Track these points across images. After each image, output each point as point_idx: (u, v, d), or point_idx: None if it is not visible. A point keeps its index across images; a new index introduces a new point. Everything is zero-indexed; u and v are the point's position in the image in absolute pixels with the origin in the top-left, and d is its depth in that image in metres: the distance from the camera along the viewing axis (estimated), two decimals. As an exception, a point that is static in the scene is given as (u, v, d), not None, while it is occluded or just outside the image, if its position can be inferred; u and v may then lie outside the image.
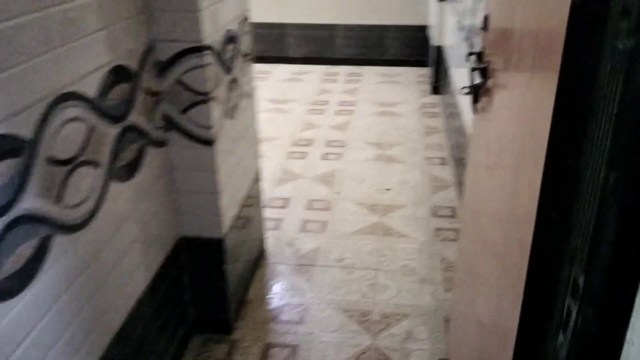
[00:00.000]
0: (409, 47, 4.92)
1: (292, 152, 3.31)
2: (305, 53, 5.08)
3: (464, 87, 1.28)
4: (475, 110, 1.24)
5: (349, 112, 3.93)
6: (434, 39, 4.12)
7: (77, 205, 1.15)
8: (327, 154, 3.28)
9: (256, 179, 2.20)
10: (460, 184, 2.77)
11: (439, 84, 4.19)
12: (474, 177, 1.35)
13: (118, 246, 1.34)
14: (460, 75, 3.08)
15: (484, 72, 1.16)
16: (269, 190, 2.83)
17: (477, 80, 1.12)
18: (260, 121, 2.30)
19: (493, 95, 1.09)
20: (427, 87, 4.42)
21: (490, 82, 1.12)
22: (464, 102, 2.86)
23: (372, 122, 3.73)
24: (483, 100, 1.18)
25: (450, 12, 3.77)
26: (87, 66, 1.17)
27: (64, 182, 1.10)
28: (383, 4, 4.78)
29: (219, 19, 1.65)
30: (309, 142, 3.44)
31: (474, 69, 1.18)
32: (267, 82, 4.60)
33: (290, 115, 3.90)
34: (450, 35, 3.81)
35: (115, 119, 1.30)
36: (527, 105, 0.84)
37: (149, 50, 1.47)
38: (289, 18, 4.96)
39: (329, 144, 3.42)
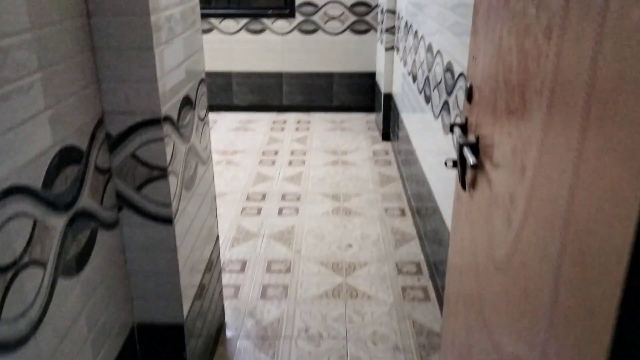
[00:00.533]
0: (357, 94, 4.94)
1: (246, 208, 3.16)
2: (252, 101, 5.00)
3: (448, 161, 1.21)
4: (464, 188, 1.17)
5: (301, 162, 3.85)
6: (383, 86, 4.15)
7: (18, 318, 0.97)
8: (282, 208, 3.16)
9: (215, 241, 2.04)
10: (421, 237, 2.72)
11: (389, 130, 4.21)
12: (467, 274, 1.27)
13: (66, 352, 1.15)
14: (412, 121, 3.08)
15: (475, 149, 1.09)
16: (224, 252, 2.67)
17: (469, 158, 1.05)
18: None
19: (490, 175, 1.02)
20: (377, 133, 4.43)
21: (485, 160, 1.05)
22: (420, 148, 2.84)
23: (325, 172, 3.66)
24: (475, 179, 1.11)
25: (398, 60, 3.81)
26: (30, 153, 1.01)
27: (4, 293, 0.92)
28: (329, 52, 4.80)
29: (176, 86, 1.52)
30: (262, 197, 3.31)
31: (462, 145, 1.11)
32: (214, 132, 4.46)
33: (241, 167, 3.77)
34: (398, 82, 3.84)
35: (63, 206, 1.13)
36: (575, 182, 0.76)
37: (99, 124, 1.32)
38: (234, 66, 4.88)
39: (284, 197, 3.30)
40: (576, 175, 0.63)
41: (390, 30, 3.95)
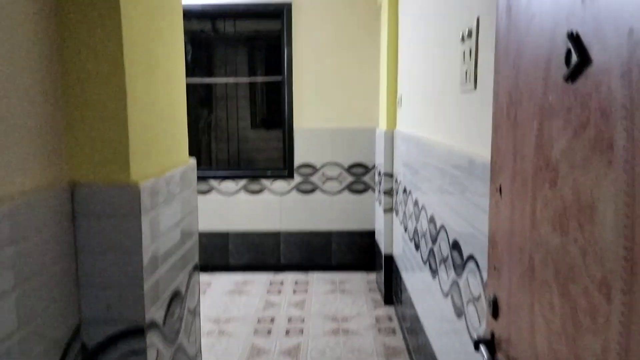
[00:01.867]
0: (356, 252, 4.84)
1: (238, 390, 2.85)
2: (249, 261, 4.87)
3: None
4: None
5: (299, 331, 3.59)
6: (383, 247, 4.05)
7: None
8: (278, 390, 2.85)
9: None
10: None
11: (391, 293, 4.01)
12: None
13: None
14: (414, 283, 2.91)
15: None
16: None
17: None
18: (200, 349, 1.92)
19: None
20: (379, 295, 4.23)
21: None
22: (425, 315, 2.63)
23: (325, 344, 3.39)
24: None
25: (398, 222, 3.76)
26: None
27: None
28: (328, 211, 4.79)
29: (164, 284, 1.39)
30: (257, 375, 3.01)
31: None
32: (207, 297, 4.25)
33: (234, 338, 3.50)
34: (399, 244, 3.74)
35: None
36: None
37: (74, 336, 1.16)
38: (231, 226, 4.83)
39: (280, 375, 3.00)
40: None
41: (389, 192, 3.97)
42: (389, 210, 3.98)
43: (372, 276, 4.71)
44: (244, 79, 5.67)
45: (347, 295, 4.28)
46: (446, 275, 2.23)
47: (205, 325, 3.67)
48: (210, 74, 5.56)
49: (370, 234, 4.77)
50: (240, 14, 4.81)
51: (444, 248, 2.29)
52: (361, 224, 4.80)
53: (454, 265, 2.10)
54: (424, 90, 2.85)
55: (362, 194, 4.79)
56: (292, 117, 4.73)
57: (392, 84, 3.94)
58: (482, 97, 1.68)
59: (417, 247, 2.97)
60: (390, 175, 3.97)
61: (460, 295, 1.97)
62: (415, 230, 3.01)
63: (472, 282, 1.79)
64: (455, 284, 2.07)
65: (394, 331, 3.57)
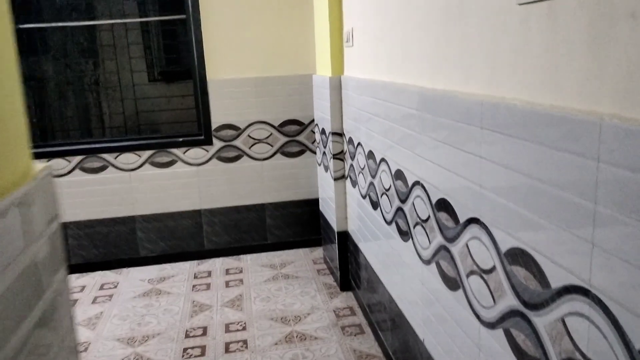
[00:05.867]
0: (297, 226, 4.05)
1: None
2: (165, 250, 3.92)
3: None
4: None
5: (242, 344, 2.79)
6: (335, 223, 3.29)
7: None
8: None
9: None
10: None
11: (349, 277, 3.30)
12: None
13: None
14: (383, 260, 2.15)
15: None
16: None
17: None
18: None
19: None
20: (331, 278, 3.50)
21: None
22: (404, 299, 1.89)
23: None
24: None
25: (355, 191, 3.00)
26: None
27: None
28: (258, 181, 3.93)
29: None
30: None
31: None
32: (114, 303, 3.30)
33: (157, 366, 2.63)
34: (355, 217, 3.01)
35: None
36: None
37: None
38: (138, 209, 3.83)
39: (228, 420, 2.20)
40: None
41: (339, 156, 3.17)
42: (340, 178, 3.20)
43: (318, 252, 3.97)
44: (135, 20, 4.51)
45: (293, 282, 3.51)
46: (427, 241, 1.49)
47: (113, 353, 2.76)
48: (91, 15, 4.35)
49: (312, 203, 3.99)
50: None
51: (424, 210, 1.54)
52: (300, 192, 4.00)
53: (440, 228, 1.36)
54: (402, 13, 2.02)
55: (299, 156, 3.96)
56: (204, 66, 3.72)
57: (335, 14, 3.06)
58: None
59: (389, 220, 2.22)
60: (339, 134, 3.17)
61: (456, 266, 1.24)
62: (386, 199, 2.25)
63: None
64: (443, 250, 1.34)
65: (361, 329, 2.87)
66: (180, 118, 4.43)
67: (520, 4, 1.16)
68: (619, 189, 0.87)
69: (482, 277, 1.43)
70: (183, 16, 3.77)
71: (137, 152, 3.76)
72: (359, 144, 2.79)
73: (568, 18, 1.01)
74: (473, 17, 1.41)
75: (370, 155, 2.57)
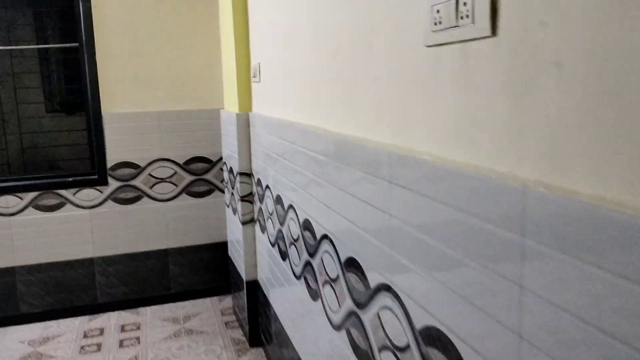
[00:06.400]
0: (203, 273, 3.72)
1: None
2: (51, 304, 3.45)
3: None
4: None
5: (133, 417, 2.41)
6: (244, 272, 3.02)
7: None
8: None
9: None
10: None
11: (259, 331, 3.02)
12: None
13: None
14: (291, 315, 1.91)
15: None
16: None
17: None
18: None
19: None
20: (240, 332, 3.20)
21: None
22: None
23: None
24: None
25: (264, 238, 2.76)
26: None
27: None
28: (160, 223, 3.58)
29: None
30: None
31: None
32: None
33: None
34: (266, 265, 2.77)
35: None
36: None
37: None
38: (19, 259, 3.35)
39: None
40: None
41: (247, 198, 2.93)
42: (249, 221, 2.95)
43: (227, 302, 3.66)
44: (29, 47, 4.09)
45: (198, 338, 3.17)
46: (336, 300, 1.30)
47: None
48: None
49: (221, 247, 3.69)
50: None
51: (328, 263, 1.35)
52: (208, 235, 3.69)
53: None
54: (308, 51, 1.86)
55: (207, 196, 3.67)
56: (98, 98, 3.38)
57: (241, 47, 2.86)
58: (511, 45, 0.76)
59: (298, 274, 2.01)
60: (248, 174, 2.93)
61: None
62: (295, 250, 2.04)
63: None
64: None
65: (270, 391, 2.60)
66: (80, 154, 4.01)
67: (428, 46, 1.01)
68: (546, 265, 0.71)
69: (395, 356, 1.23)
70: (76, 44, 3.42)
71: (19, 194, 3.30)
72: (267, 186, 2.57)
73: (483, 64, 0.86)
74: (382, 56, 1.25)
75: (279, 200, 2.35)
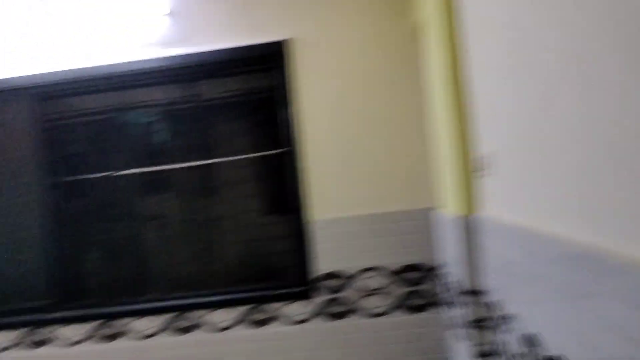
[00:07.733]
0: None
1: None
2: None
3: None
4: None
5: None
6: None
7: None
8: None
9: None
10: None
11: None
12: None
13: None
14: None
15: None
16: None
17: None
18: None
19: None
20: None
21: None
22: None
23: None
24: None
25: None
26: None
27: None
28: (373, 344, 3.09)
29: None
30: None
31: None
32: None
33: None
34: None
35: None
36: None
37: None
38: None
39: None
40: None
41: (479, 324, 2.29)
42: (480, 356, 2.28)
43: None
44: (239, 157, 4.21)
45: None
46: None
47: None
48: (208, 154, 4.10)
49: None
50: (223, 67, 3.41)
51: None
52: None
53: None
54: (574, 137, 1.27)
55: (423, 312, 3.10)
56: (307, 203, 3.17)
57: (459, 135, 2.37)
58: None
59: None
60: (476, 293, 2.31)
61: None
62: None
63: None
64: None
65: None
66: (284, 262, 3.85)
67: None
68: None
69: None
70: (282, 150, 3.33)
71: (157, 317, 3.18)
72: (507, 316, 1.91)
73: None
74: None
75: (529, 340, 1.68)
